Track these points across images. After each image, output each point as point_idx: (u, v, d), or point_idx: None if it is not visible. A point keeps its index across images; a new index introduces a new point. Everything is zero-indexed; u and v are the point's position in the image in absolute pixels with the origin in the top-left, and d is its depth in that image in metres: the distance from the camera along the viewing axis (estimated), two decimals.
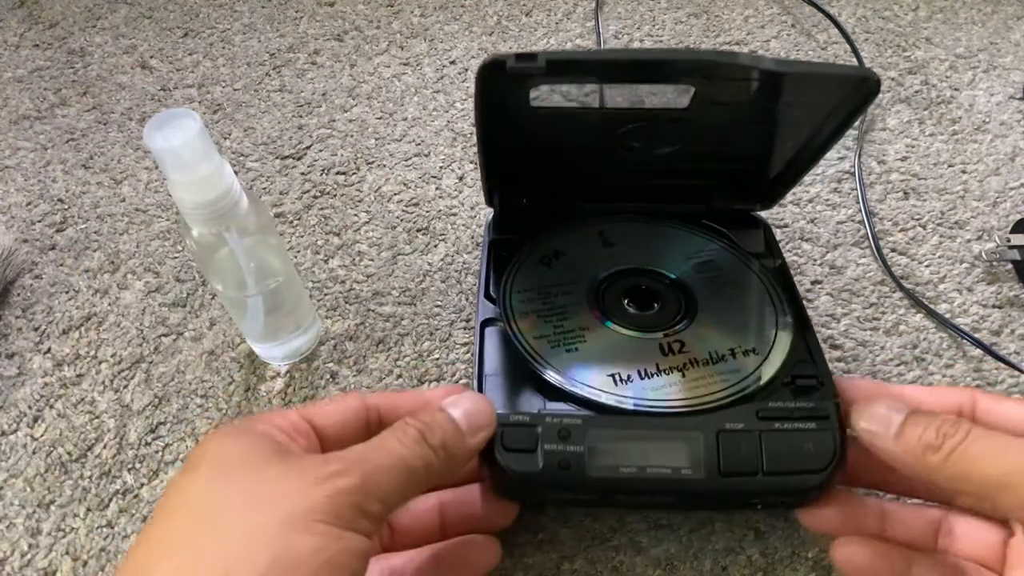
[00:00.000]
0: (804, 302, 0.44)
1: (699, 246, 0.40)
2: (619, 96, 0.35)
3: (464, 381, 0.41)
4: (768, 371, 0.33)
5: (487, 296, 0.38)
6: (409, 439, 0.26)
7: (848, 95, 0.32)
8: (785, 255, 0.46)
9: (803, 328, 0.36)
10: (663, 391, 0.33)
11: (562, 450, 0.30)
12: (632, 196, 0.42)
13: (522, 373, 0.34)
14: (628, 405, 0.32)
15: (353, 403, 0.29)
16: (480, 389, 0.33)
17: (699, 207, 0.42)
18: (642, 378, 0.33)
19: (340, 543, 0.23)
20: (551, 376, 0.33)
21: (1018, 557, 0.28)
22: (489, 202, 0.41)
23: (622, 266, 0.39)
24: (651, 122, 0.36)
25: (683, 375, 0.33)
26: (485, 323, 0.37)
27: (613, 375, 0.33)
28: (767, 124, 0.37)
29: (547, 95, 0.33)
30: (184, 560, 0.22)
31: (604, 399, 0.32)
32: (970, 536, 0.29)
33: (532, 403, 0.32)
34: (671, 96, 0.35)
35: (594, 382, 0.33)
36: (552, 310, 0.37)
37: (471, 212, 0.49)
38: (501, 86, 0.30)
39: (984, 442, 0.25)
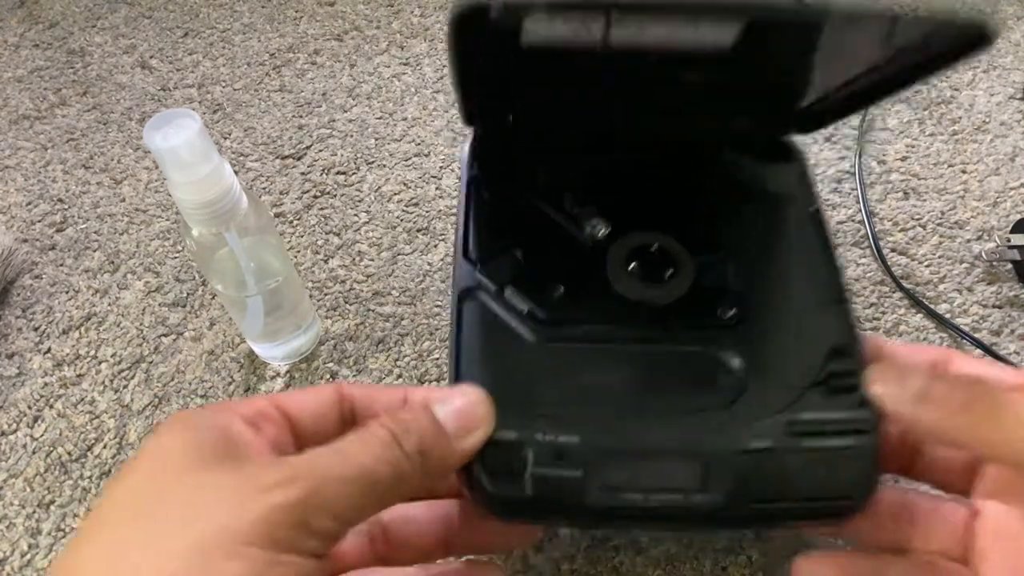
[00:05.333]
0: None
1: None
2: (634, 30, 0.26)
3: None
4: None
5: (466, 256, 0.30)
6: (376, 443, 0.22)
7: (952, 45, 0.27)
8: None
9: (841, 307, 0.29)
10: None
11: (555, 475, 0.25)
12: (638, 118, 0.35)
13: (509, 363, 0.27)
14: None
15: (327, 393, 0.26)
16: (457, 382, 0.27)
17: (717, 130, 0.34)
18: None
19: (273, 570, 0.20)
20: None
21: (989, 540, 0.25)
22: (468, 121, 0.32)
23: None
24: (675, 64, 0.29)
25: None
26: (464, 294, 0.29)
27: None
28: (828, 59, 0.29)
29: (543, 29, 0.26)
30: None
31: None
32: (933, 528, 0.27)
33: (521, 405, 0.26)
34: (706, 31, 0.26)
35: None
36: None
37: None
38: (484, 34, 0.24)
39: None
